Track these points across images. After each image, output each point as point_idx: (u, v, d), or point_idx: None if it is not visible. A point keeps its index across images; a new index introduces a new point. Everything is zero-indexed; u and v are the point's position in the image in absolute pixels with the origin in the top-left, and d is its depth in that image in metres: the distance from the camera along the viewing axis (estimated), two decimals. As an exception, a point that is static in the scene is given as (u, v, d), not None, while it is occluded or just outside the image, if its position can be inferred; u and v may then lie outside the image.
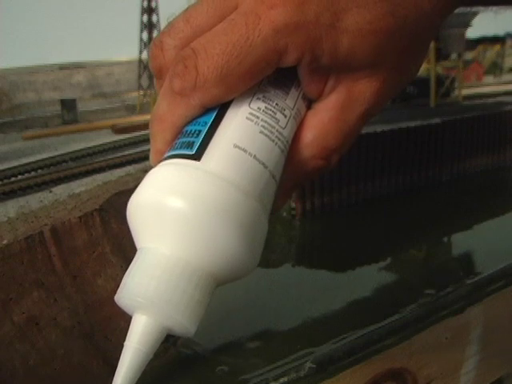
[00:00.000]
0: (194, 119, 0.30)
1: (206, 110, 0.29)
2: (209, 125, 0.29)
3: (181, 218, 0.26)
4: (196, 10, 0.29)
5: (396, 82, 0.31)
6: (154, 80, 0.33)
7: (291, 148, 0.31)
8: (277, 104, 0.31)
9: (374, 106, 0.30)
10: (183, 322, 0.28)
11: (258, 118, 0.30)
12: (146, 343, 0.28)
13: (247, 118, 0.29)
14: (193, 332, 0.29)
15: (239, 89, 0.29)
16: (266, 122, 0.30)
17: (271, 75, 0.30)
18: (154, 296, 0.27)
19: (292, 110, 0.31)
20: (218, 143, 0.28)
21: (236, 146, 0.28)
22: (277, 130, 0.30)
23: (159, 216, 0.27)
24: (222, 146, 0.28)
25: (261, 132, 0.29)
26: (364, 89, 0.30)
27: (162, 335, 0.29)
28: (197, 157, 0.28)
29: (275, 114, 0.30)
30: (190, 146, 0.28)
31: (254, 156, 0.29)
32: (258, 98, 0.30)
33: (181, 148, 0.29)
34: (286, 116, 0.31)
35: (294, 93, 0.32)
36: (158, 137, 0.31)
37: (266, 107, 0.30)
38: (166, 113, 0.29)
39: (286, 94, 0.31)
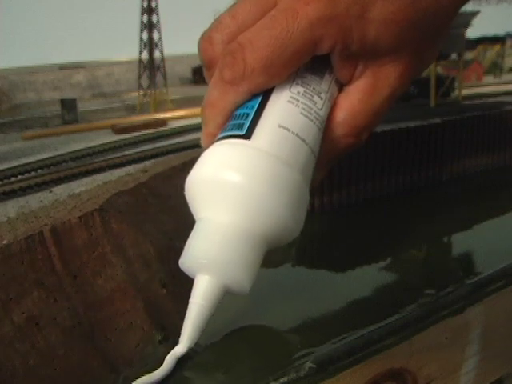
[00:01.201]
0: (242, 104, 0.34)
1: (253, 96, 0.33)
2: (256, 108, 0.33)
3: (236, 190, 0.30)
4: (240, 8, 0.33)
5: (417, 67, 0.35)
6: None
7: (325, 127, 0.35)
8: (314, 88, 0.35)
9: (398, 87, 0.34)
10: (241, 280, 0.32)
11: (297, 100, 0.34)
12: (209, 299, 0.32)
13: (288, 101, 0.33)
14: (248, 290, 0.33)
15: (282, 76, 0.33)
16: (305, 104, 0.34)
17: (308, 63, 0.34)
18: (215, 257, 0.31)
19: (327, 93, 0.35)
20: (265, 124, 0.32)
21: (280, 126, 0.33)
22: (314, 111, 0.34)
23: (217, 189, 0.31)
24: (269, 126, 0.32)
25: (301, 113, 0.34)
26: (389, 73, 0.34)
27: (222, 293, 0.32)
28: (247, 136, 0.32)
29: (312, 97, 0.34)
30: (240, 127, 0.33)
31: (297, 134, 0.33)
32: (297, 83, 0.34)
33: (232, 129, 0.33)
34: (321, 98, 0.35)
35: (327, 78, 0.35)
36: (210, 121, 0.34)
37: (304, 91, 0.34)
38: (217, 99, 0.33)
39: (321, 79, 0.35)
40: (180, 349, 0.33)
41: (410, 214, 0.73)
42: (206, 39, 0.34)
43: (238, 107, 0.34)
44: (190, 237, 0.34)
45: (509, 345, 0.52)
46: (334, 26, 0.30)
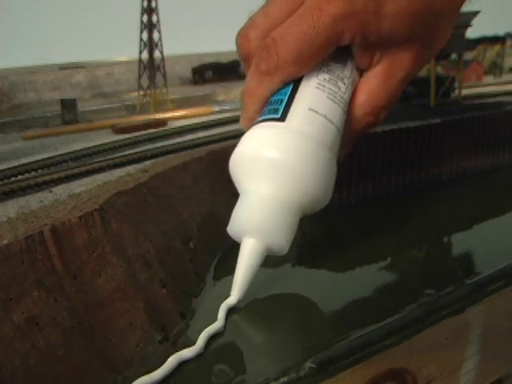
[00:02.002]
0: (276, 92, 0.39)
1: (285, 84, 0.38)
2: (288, 95, 0.38)
3: (275, 165, 0.35)
4: (271, 7, 0.38)
5: (427, 53, 0.39)
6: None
7: (348, 108, 0.39)
8: (337, 75, 0.39)
9: (411, 71, 0.38)
10: (281, 242, 0.38)
11: (324, 86, 0.39)
12: (255, 259, 0.38)
13: (316, 87, 0.38)
14: (286, 250, 0.39)
15: (310, 66, 0.37)
16: (330, 89, 0.39)
17: (332, 53, 0.38)
18: (259, 223, 0.36)
19: (349, 78, 0.40)
20: (297, 108, 0.37)
21: (310, 109, 0.38)
22: (339, 95, 0.39)
23: (258, 165, 0.36)
24: (300, 110, 0.37)
25: (327, 97, 0.38)
26: (402, 59, 0.38)
27: (265, 253, 0.38)
28: (282, 119, 0.37)
29: (337, 82, 0.39)
30: (275, 111, 0.38)
31: (324, 116, 0.38)
32: (323, 71, 0.39)
33: (268, 114, 0.38)
34: (345, 84, 0.39)
35: (349, 65, 0.40)
36: (249, 107, 0.39)
37: (329, 78, 0.39)
38: (254, 88, 0.38)
39: (343, 67, 0.40)
40: (232, 300, 0.40)
41: (410, 214, 0.73)
42: (242, 36, 0.38)
43: (272, 94, 0.39)
44: (236, 207, 0.39)
45: (509, 345, 0.52)
46: (353, 21, 0.35)
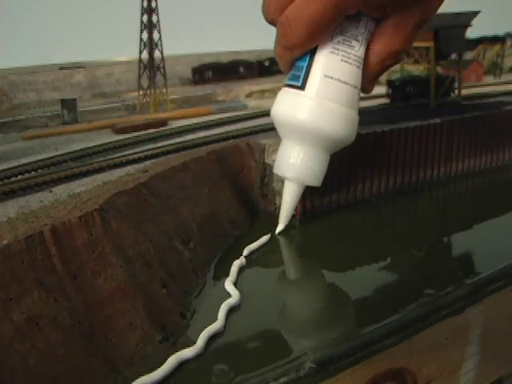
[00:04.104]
0: (299, 57, 0.45)
1: (304, 53, 0.44)
2: (307, 61, 0.45)
3: (301, 126, 0.46)
4: None
5: (432, 4, 0.42)
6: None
7: (367, 55, 0.44)
8: (351, 34, 0.43)
9: (421, 19, 0.41)
10: (314, 181, 0.50)
11: (338, 49, 0.44)
12: (296, 197, 0.53)
13: (331, 52, 0.44)
14: (320, 183, 0.51)
15: (323, 38, 0.43)
16: (344, 51, 0.44)
17: None
18: (297, 173, 0.49)
19: (363, 34, 0.43)
20: (313, 76, 0.45)
21: (325, 76, 0.44)
22: (353, 54, 0.44)
23: (289, 126, 0.47)
24: (316, 78, 0.45)
25: (341, 60, 0.44)
26: (413, 9, 0.41)
27: (303, 190, 0.53)
28: (302, 87, 0.45)
29: (351, 42, 0.43)
30: (297, 78, 0.46)
31: (339, 79, 0.44)
32: (338, 33, 0.43)
33: (293, 79, 0.46)
34: (359, 41, 0.43)
35: (364, 20, 0.43)
36: (280, 64, 0.47)
37: (343, 39, 0.43)
38: (280, 55, 0.45)
39: (357, 23, 0.43)
40: (279, 228, 0.56)
41: (410, 214, 0.73)
42: (266, 7, 0.43)
43: (296, 59, 0.45)
44: (279, 152, 0.50)
45: (509, 345, 0.52)
46: None
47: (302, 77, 0.45)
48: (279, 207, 0.65)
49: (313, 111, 0.45)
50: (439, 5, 0.44)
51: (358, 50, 0.44)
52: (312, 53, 0.45)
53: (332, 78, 0.44)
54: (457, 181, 0.84)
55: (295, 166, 0.49)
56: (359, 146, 0.72)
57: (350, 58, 0.44)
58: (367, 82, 0.46)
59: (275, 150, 0.61)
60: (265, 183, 0.70)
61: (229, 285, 0.49)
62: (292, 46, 0.43)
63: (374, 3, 0.40)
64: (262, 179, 0.70)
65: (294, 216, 0.67)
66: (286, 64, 0.47)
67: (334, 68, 0.44)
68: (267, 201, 0.70)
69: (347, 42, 0.44)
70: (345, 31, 0.43)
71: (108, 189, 0.53)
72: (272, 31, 0.46)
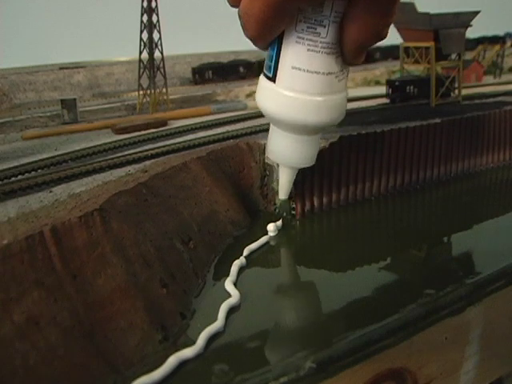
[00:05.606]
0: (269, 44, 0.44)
1: (270, 42, 0.43)
2: (275, 50, 0.43)
3: (276, 117, 0.46)
4: None
5: None
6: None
7: (343, 38, 0.41)
8: (315, 20, 0.40)
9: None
10: (306, 163, 0.51)
11: (303, 38, 0.41)
12: (290, 177, 0.55)
13: (296, 41, 0.42)
14: (314, 162, 0.52)
15: (278, 31, 0.41)
16: (310, 39, 0.41)
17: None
18: (289, 158, 0.51)
19: (329, 17, 0.40)
20: (282, 68, 0.44)
21: (293, 68, 0.43)
22: (320, 42, 0.41)
23: (268, 115, 0.47)
24: (285, 70, 0.43)
25: (308, 50, 0.42)
26: None
27: (297, 170, 0.54)
28: (273, 79, 0.45)
29: (316, 28, 0.41)
30: (269, 69, 0.45)
31: (307, 70, 0.43)
32: (300, 21, 0.41)
33: (266, 69, 0.46)
34: (324, 26, 0.41)
35: (327, 4, 0.40)
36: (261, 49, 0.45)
37: (307, 26, 0.41)
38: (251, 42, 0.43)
39: (320, 8, 0.40)
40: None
41: (410, 214, 0.73)
42: None
43: (268, 45, 0.44)
44: (269, 137, 0.51)
45: (509, 345, 0.52)
46: None
47: (272, 68, 0.45)
48: (279, 207, 0.65)
49: (284, 105, 0.45)
50: None
51: (324, 36, 0.41)
52: (279, 41, 0.43)
53: (300, 69, 0.43)
54: (457, 181, 0.84)
55: (285, 152, 0.50)
56: (359, 146, 0.72)
57: (317, 46, 0.42)
58: (350, 60, 0.43)
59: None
60: (265, 183, 0.70)
61: (229, 285, 0.49)
62: (251, 37, 0.42)
63: None
64: (262, 179, 0.70)
65: (293, 216, 0.67)
66: (263, 49, 0.46)
67: (301, 59, 0.42)
68: (267, 201, 0.70)
69: (311, 29, 0.41)
70: (308, 18, 0.41)
71: (108, 189, 0.53)
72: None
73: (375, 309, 0.44)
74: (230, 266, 0.53)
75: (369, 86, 1.94)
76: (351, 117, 0.93)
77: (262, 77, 0.47)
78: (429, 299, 0.44)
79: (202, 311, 0.45)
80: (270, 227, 0.63)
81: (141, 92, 1.62)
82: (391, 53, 2.36)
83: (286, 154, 0.50)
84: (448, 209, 0.75)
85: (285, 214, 0.65)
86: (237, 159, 0.71)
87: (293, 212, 0.68)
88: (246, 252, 0.57)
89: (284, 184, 0.57)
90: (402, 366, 0.41)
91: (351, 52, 0.42)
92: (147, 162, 0.82)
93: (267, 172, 0.70)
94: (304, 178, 0.68)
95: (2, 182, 0.86)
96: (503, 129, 0.90)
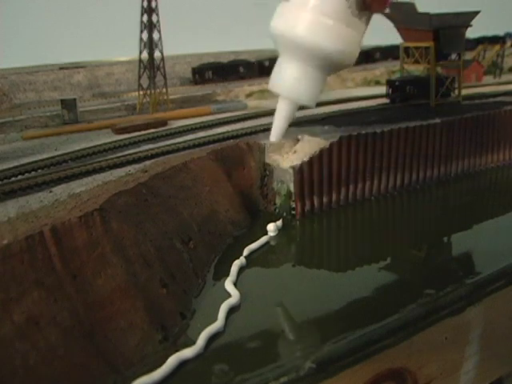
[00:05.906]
0: None
1: None
2: None
3: (298, 41, 0.42)
4: None
5: None
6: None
7: None
8: None
9: None
10: (312, 97, 0.50)
11: None
12: (289, 113, 0.51)
13: None
14: (314, 105, 0.53)
15: None
16: None
17: None
18: (291, 90, 0.48)
19: None
20: None
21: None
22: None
23: (285, 39, 0.45)
24: None
25: None
26: None
27: (297, 107, 0.53)
28: None
29: None
30: None
31: None
32: None
33: None
34: None
35: None
36: None
37: None
38: None
39: None
40: (271, 140, 0.54)
41: (409, 214, 0.74)
42: None
43: None
44: (275, 68, 0.50)
45: (509, 345, 0.52)
46: None
47: None
48: (279, 207, 0.65)
49: (304, 24, 0.45)
50: None
51: None
52: None
53: None
54: (457, 181, 0.84)
55: (289, 82, 0.50)
56: (359, 146, 0.72)
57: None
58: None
59: (275, 150, 0.61)
60: (265, 183, 0.71)
61: (229, 285, 0.49)
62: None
63: None
64: (262, 179, 0.71)
65: (293, 216, 0.67)
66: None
67: None
68: (267, 201, 0.71)
69: None
70: None
71: (108, 189, 0.53)
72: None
73: (375, 309, 0.44)
74: (230, 266, 0.53)
75: (369, 86, 1.95)
76: (351, 117, 0.96)
77: (281, 3, 0.48)
78: (429, 299, 0.44)
79: (202, 311, 0.45)
80: (270, 227, 0.63)
81: (141, 92, 1.63)
82: (391, 53, 2.37)
83: (290, 84, 0.51)
84: (448, 209, 0.75)
85: (285, 213, 0.65)
86: (237, 159, 0.72)
87: (293, 212, 0.68)
88: (246, 252, 0.57)
89: (279, 121, 0.56)
90: (402, 366, 0.41)
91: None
92: (147, 162, 0.83)
93: (267, 172, 0.71)
94: (304, 178, 0.68)
95: (2, 182, 0.86)
96: (503, 129, 0.91)
